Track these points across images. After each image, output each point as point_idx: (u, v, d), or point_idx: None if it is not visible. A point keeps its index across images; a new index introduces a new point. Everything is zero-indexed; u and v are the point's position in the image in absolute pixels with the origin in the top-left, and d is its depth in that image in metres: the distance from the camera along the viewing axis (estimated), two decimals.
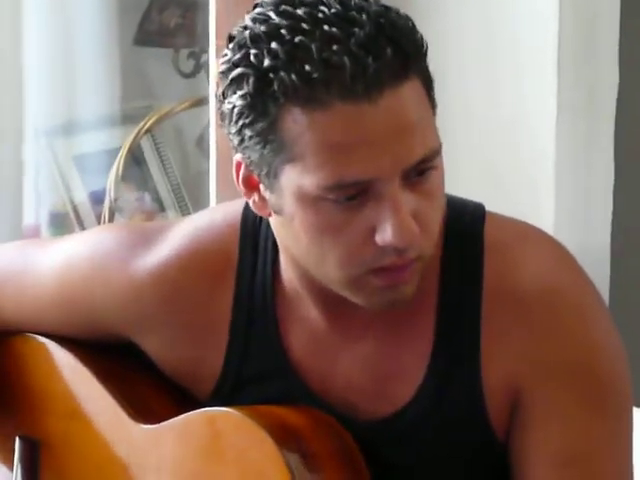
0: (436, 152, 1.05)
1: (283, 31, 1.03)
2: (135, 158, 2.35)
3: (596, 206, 2.20)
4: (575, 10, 2.19)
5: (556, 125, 2.14)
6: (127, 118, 2.40)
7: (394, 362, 1.19)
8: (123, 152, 2.30)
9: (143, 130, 2.33)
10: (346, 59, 0.99)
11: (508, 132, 2.21)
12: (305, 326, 1.20)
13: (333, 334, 1.19)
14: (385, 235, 1.03)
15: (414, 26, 1.08)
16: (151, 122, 2.33)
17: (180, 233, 1.25)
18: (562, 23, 2.17)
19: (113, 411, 1.29)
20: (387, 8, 1.06)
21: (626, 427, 1.19)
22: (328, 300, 1.15)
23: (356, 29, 1.01)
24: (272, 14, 1.04)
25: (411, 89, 1.03)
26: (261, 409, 1.18)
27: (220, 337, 1.21)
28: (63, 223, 2.33)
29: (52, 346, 1.32)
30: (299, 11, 1.03)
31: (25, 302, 1.33)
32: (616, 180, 2.18)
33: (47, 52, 2.32)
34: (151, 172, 2.38)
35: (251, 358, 1.22)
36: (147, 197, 2.38)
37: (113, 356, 1.33)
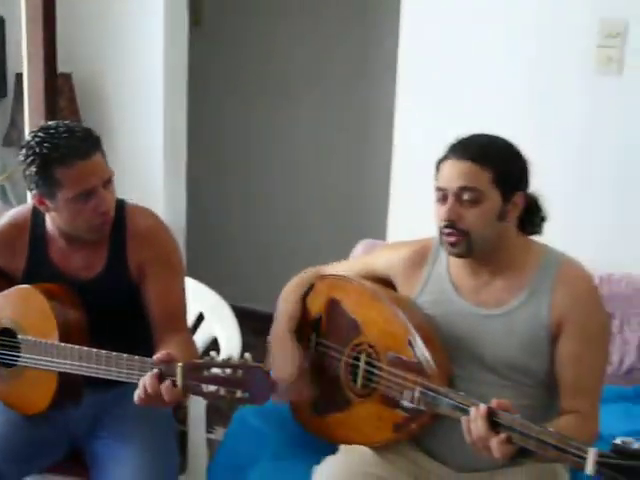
0: (109, 178, 1.78)
1: (45, 143, 1.74)
2: None
3: (178, 201, 3.35)
4: None
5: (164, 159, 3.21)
6: None
7: (93, 258, 1.89)
8: None
9: None
10: (71, 149, 1.71)
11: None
12: (58, 247, 1.89)
13: (69, 249, 1.89)
14: (97, 208, 1.77)
15: (91, 134, 1.78)
16: None
17: (9, 213, 1.97)
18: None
19: None
20: (86, 129, 1.78)
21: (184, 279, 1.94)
22: (67, 237, 1.87)
23: (75, 137, 1.74)
24: (40, 133, 1.77)
25: (96, 155, 1.77)
26: (40, 285, 1.87)
27: (23, 253, 1.91)
28: None
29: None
30: (51, 131, 1.74)
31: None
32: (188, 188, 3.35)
33: None
34: None
35: (37, 261, 1.89)
36: None
37: None
